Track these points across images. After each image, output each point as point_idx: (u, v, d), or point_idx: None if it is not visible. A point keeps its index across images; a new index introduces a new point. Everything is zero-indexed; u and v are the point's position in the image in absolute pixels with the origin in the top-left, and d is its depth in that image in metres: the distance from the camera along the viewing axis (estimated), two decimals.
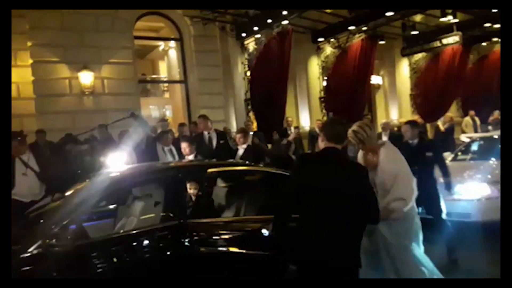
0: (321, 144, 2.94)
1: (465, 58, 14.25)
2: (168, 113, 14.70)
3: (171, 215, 3.55)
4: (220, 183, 4.06)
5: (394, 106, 15.64)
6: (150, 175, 3.82)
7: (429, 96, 14.36)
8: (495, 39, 14.64)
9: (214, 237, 3.43)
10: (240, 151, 6.52)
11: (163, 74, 15.07)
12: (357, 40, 12.44)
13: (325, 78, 13.00)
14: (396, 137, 7.23)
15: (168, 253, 3.29)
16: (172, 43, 12.25)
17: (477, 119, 13.23)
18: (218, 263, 3.39)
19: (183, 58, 11.52)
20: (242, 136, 6.58)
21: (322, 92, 13.09)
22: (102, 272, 3.11)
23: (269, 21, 10.03)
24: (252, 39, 11.15)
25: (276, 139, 9.28)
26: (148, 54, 15.16)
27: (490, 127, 11.69)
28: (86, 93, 9.73)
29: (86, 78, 9.70)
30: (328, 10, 11.43)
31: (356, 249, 2.65)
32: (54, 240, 3.01)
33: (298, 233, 2.72)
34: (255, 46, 11.24)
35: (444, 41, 12.43)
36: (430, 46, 13.16)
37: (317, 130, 10.37)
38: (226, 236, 3.46)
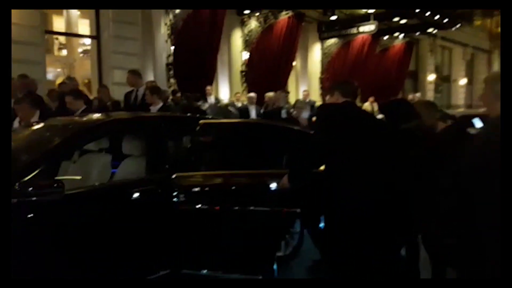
0: (332, 100, 2.87)
1: (373, 48, 15.38)
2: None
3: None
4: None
5: (304, 87, 16.23)
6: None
7: (337, 80, 15.16)
8: (396, 34, 16.10)
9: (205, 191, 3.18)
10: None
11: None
12: (283, 17, 12.50)
13: (248, 52, 12.85)
14: None
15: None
16: None
17: (375, 105, 14.42)
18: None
19: (97, 12, 10.33)
20: (150, 94, 5.77)
21: (244, 66, 12.95)
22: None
23: None
24: None
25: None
26: None
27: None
28: None
29: None
30: None
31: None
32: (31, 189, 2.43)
33: (337, 188, 2.58)
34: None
35: (361, 29, 13.22)
36: (347, 32, 13.88)
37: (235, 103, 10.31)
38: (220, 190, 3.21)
